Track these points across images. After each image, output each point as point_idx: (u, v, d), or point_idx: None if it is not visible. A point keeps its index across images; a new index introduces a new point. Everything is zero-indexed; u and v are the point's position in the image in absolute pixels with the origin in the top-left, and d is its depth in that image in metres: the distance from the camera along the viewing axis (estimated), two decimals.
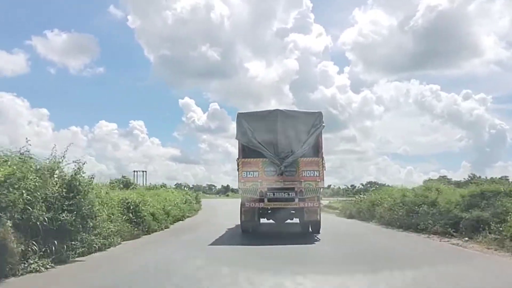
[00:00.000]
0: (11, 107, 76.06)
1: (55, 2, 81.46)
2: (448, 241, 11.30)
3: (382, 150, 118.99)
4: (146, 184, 41.73)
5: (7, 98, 76.22)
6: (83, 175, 9.32)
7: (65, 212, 8.16)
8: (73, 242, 8.23)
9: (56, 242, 7.68)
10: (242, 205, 12.25)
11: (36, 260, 7.03)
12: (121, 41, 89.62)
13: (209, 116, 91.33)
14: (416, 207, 14.00)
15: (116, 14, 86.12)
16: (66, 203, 8.36)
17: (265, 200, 11.72)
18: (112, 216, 10.59)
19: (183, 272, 7.01)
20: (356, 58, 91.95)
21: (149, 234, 12.86)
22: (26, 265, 6.82)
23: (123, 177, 26.91)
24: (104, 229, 9.66)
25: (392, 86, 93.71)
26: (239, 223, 12.97)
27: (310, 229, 12.76)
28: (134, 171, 44.03)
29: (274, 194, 11.77)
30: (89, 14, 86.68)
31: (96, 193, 9.85)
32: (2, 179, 6.81)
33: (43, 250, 7.37)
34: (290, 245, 10.61)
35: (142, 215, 12.63)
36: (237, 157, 12.18)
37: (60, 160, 9.04)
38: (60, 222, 7.92)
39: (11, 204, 6.75)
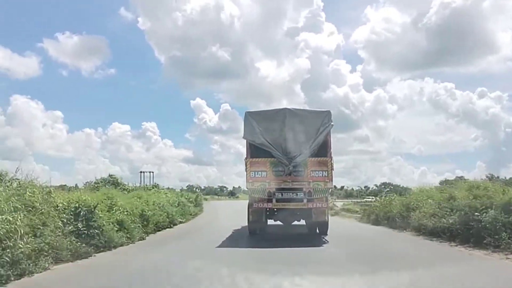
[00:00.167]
0: (26, 109, 78.02)
1: (66, 5, 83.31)
2: None
3: (396, 150, 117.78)
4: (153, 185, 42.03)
5: (22, 101, 78.34)
6: None
7: None
8: None
9: None
10: (249, 205, 12.21)
11: None
12: (132, 43, 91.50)
13: (220, 117, 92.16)
14: (477, 213, 9.96)
15: (126, 16, 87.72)
16: None
17: (274, 200, 11.67)
18: (40, 228, 7.65)
19: None
20: (368, 56, 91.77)
21: (110, 249, 9.58)
22: None
23: (110, 176, 24.11)
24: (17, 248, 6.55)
25: (405, 85, 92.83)
26: (246, 224, 12.89)
27: (317, 230, 12.69)
28: (141, 172, 42.81)
29: (282, 195, 11.70)
30: (100, 16, 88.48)
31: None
32: None
33: None
34: (301, 248, 10.19)
35: (97, 224, 9.43)
36: (245, 157, 12.19)
37: None
38: None
39: None
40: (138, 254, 9.75)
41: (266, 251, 9.77)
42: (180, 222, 17.95)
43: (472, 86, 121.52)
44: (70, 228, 8.58)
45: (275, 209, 12.23)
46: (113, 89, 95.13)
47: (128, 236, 10.97)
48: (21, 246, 6.65)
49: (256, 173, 11.75)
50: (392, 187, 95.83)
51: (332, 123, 12.09)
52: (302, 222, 13.49)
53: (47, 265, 7.13)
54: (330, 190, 12.61)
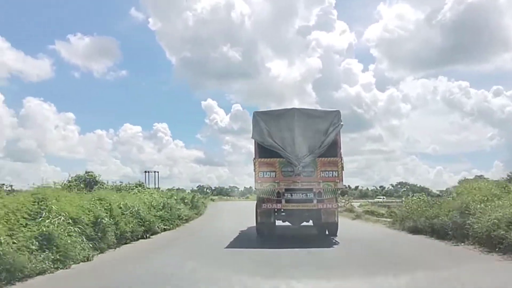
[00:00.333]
0: (38, 112, 79.25)
1: (77, 7, 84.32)
2: None
3: (410, 150, 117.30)
4: (158, 186, 38.83)
5: (34, 103, 79.67)
6: None
7: None
8: None
9: None
10: (258, 206, 12.24)
11: None
12: (143, 44, 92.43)
13: (231, 117, 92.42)
14: None
15: (137, 17, 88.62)
16: None
17: (283, 201, 11.63)
18: None
19: None
20: (381, 55, 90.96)
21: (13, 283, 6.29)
22: None
23: (87, 173, 21.38)
24: None
25: (419, 84, 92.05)
26: (255, 225, 12.93)
27: (326, 231, 12.64)
28: (145, 172, 41.83)
29: (292, 195, 11.68)
30: (111, 17, 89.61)
31: None
32: None
33: None
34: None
35: None
36: (254, 157, 12.20)
37: None
38: None
39: None
40: None
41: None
42: (165, 230, 14.73)
43: (487, 84, 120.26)
44: None
45: (283, 210, 12.21)
46: (125, 90, 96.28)
47: (59, 257, 7.51)
48: None
49: (265, 173, 11.73)
50: (408, 186, 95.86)
51: (341, 123, 12.05)
52: (310, 223, 13.46)
53: None
54: (340, 190, 12.54)
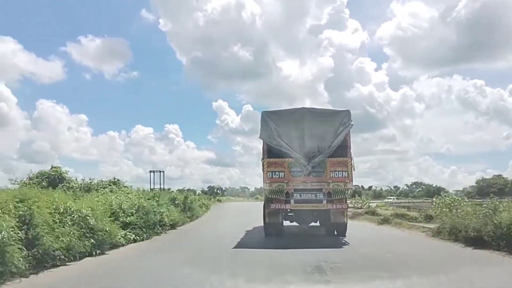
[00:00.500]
0: (51, 114, 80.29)
1: (88, 8, 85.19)
2: None
3: (424, 150, 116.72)
4: (164, 186, 39.74)
5: (47, 105, 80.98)
6: None
7: None
8: None
9: None
10: (266, 206, 12.23)
11: None
12: (153, 45, 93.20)
13: (242, 118, 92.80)
14: None
15: (148, 18, 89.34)
16: None
17: (292, 201, 11.61)
18: None
19: None
20: (394, 53, 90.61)
21: None
22: None
23: (52, 168, 17.94)
24: None
25: (433, 82, 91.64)
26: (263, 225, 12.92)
27: (335, 232, 12.60)
28: (150, 171, 41.94)
29: (301, 196, 11.66)
30: (122, 18, 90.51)
31: None
32: None
33: None
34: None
35: None
36: (262, 157, 12.21)
37: None
38: None
39: None
40: None
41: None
42: (134, 240, 11.35)
43: (503, 82, 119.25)
44: None
45: (291, 210, 12.17)
46: (136, 91, 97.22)
47: None
48: None
49: (273, 173, 11.72)
50: (424, 186, 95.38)
51: (352, 123, 12.01)
52: (317, 223, 13.42)
53: None
54: (350, 191, 12.51)
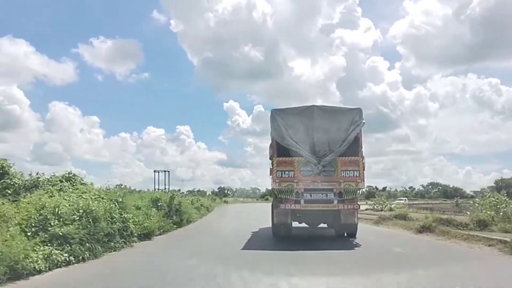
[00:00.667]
0: (64, 115, 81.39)
1: (100, 10, 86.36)
2: None
3: (438, 150, 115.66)
4: (169, 186, 36.85)
5: (60, 107, 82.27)
6: None
7: None
8: None
9: None
10: (275, 206, 12.08)
11: None
12: (165, 46, 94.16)
13: (253, 118, 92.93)
14: None
15: (159, 19, 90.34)
16: None
17: (302, 201, 11.44)
18: None
19: None
20: (407, 52, 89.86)
21: None
22: None
23: None
24: None
25: (447, 81, 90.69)
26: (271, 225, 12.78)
27: (345, 233, 12.42)
28: (155, 171, 41.22)
29: (311, 195, 11.49)
30: (133, 20, 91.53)
31: None
32: None
33: None
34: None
35: None
36: (270, 155, 12.09)
37: None
38: None
39: None
40: None
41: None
42: (47, 268, 7.15)
43: None
44: None
45: (300, 211, 11.91)
46: (147, 92, 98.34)
47: None
48: None
49: (283, 172, 11.57)
50: (440, 187, 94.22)
51: (363, 121, 11.84)
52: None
53: None
54: (361, 191, 12.32)
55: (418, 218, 16.68)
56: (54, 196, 10.05)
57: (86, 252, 8.46)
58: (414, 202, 56.60)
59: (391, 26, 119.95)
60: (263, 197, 74.29)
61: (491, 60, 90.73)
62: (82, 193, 11.06)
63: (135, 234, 11.34)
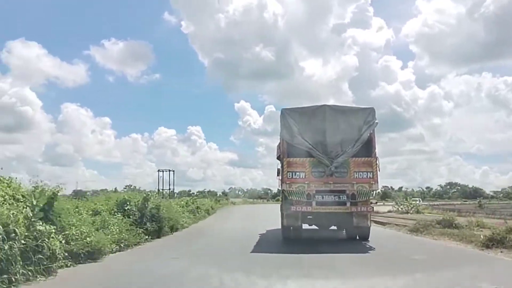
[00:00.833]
0: (76, 117, 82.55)
1: (111, 12, 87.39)
2: None
3: (454, 150, 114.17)
4: (174, 186, 36.24)
5: (72, 109, 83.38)
6: None
7: None
8: None
9: None
10: (285, 208, 11.88)
11: None
12: (176, 47, 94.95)
13: (265, 118, 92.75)
14: None
15: (170, 21, 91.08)
16: None
17: (313, 203, 11.21)
18: None
19: None
20: (421, 51, 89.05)
21: None
22: None
23: None
24: None
25: (461, 80, 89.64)
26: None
27: (357, 236, 12.13)
28: (159, 170, 40.68)
29: (323, 197, 11.27)
30: (144, 21, 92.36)
31: None
32: None
33: None
34: None
35: None
36: (277, 156, 11.93)
37: None
38: None
39: None
40: None
41: None
42: None
43: None
44: None
45: (310, 213, 11.69)
46: (158, 93, 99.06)
47: None
48: None
49: (294, 173, 11.37)
50: (459, 187, 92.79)
51: (376, 121, 11.61)
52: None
53: None
54: (375, 192, 12.08)
55: (466, 225, 13.73)
56: None
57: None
58: (434, 203, 55.36)
59: (404, 25, 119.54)
60: (274, 197, 74.17)
61: (506, 58, 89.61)
62: None
63: (61, 255, 7.44)
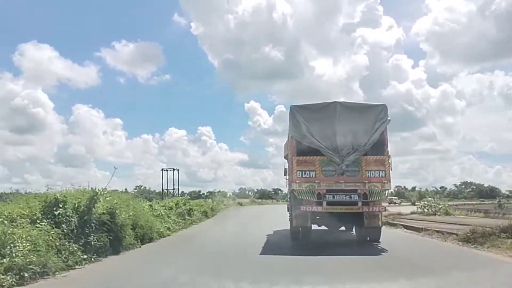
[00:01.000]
0: (87, 118, 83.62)
1: (121, 14, 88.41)
2: None
3: (467, 149, 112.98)
4: (178, 186, 35.94)
5: (83, 110, 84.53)
6: None
7: None
8: None
9: None
10: (294, 208, 11.65)
11: None
12: (186, 48, 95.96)
13: (275, 118, 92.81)
14: None
15: (179, 22, 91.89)
16: None
17: (324, 203, 10.95)
18: None
19: None
20: (432, 49, 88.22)
21: None
22: None
23: None
24: None
25: (473, 79, 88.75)
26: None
27: (368, 237, 11.86)
28: (162, 170, 40.10)
29: (334, 197, 11.01)
30: (154, 23, 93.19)
31: None
32: None
33: None
34: None
35: None
36: (285, 154, 11.75)
37: None
38: None
39: None
40: None
41: None
42: None
43: None
44: None
45: (319, 213, 11.46)
46: (169, 94, 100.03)
47: None
48: None
49: (303, 172, 11.12)
50: (474, 186, 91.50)
51: (388, 118, 11.31)
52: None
53: None
54: (387, 192, 11.81)
55: None
56: None
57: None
58: (452, 203, 53.96)
59: (414, 24, 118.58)
60: (284, 198, 73.86)
61: None
62: None
63: None
